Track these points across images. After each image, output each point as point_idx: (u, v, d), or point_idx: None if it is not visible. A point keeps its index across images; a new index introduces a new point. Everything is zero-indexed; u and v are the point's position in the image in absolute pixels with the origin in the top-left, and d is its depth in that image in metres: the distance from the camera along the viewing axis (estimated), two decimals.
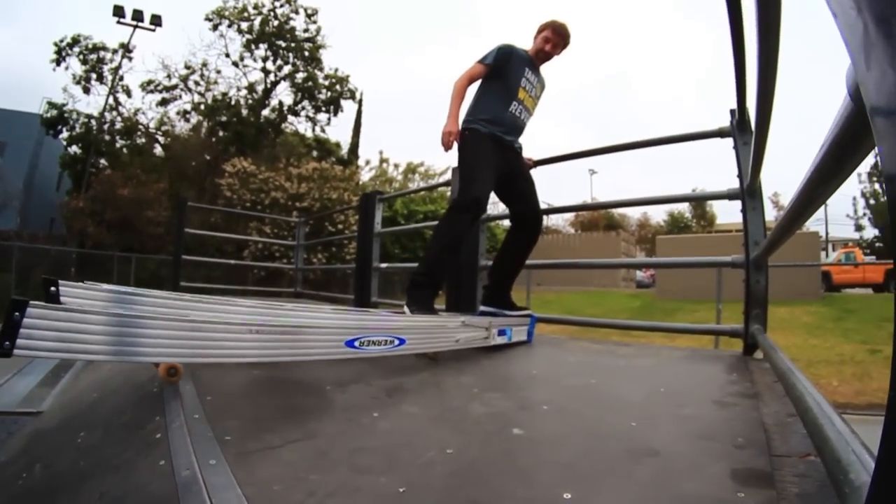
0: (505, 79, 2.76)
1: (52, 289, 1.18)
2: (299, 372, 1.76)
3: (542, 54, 2.86)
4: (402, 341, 1.75)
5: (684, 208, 35.87)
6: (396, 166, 24.16)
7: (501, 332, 2.44)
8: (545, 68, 2.97)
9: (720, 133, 2.57)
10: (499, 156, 2.73)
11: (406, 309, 2.44)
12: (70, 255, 16.51)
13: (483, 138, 2.70)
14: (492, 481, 1.02)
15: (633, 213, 38.29)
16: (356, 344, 1.59)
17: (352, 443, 1.23)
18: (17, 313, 0.99)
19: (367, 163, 24.42)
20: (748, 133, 2.36)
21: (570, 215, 32.84)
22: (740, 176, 2.42)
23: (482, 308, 2.89)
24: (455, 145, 2.66)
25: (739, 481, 0.94)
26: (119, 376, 2.10)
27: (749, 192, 2.39)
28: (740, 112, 2.36)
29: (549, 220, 34.93)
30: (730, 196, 2.53)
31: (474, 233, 4.89)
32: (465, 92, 2.74)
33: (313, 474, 1.05)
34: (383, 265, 5.06)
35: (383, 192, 4.99)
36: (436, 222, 2.96)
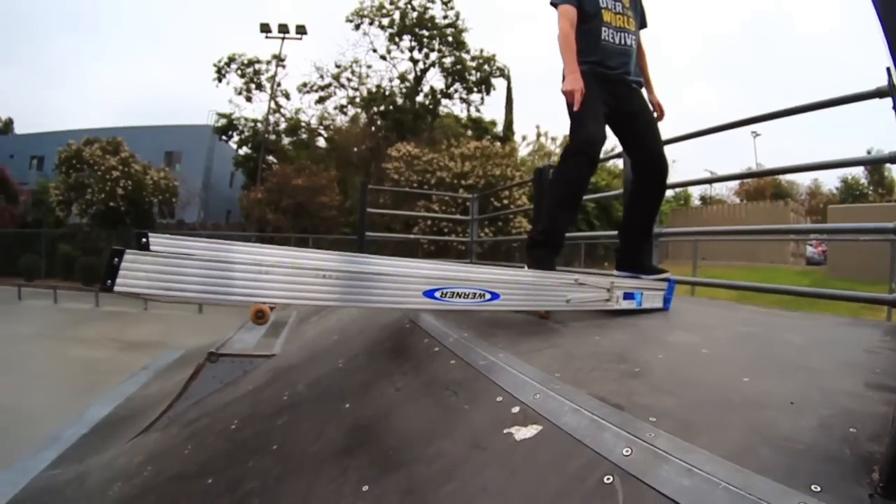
0: (585, 7, 2.43)
1: (144, 239, 1.30)
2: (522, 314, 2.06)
3: None
4: (494, 296, 1.65)
5: (860, 173, 30.48)
6: (553, 139, 23.90)
7: (628, 296, 2.17)
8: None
9: (879, 94, 2.14)
10: (606, 92, 2.40)
11: (525, 269, 2.25)
12: (250, 240, 19.19)
13: (584, 76, 2.34)
14: (693, 374, 1.32)
15: (803, 179, 33.27)
16: (437, 294, 1.53)
17: (587, 350, 1.54)
18: (116, 259, 1.14)
19: (524, 138, 24.37)
20: None
21: (733, 184, 29.49)
22: None
23: (616, 271, 2.57)
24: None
25: (869, 388, 1.12)
26: (358, 321, 2.55)
27: None
28: None
29: (713, 189, 31.83)
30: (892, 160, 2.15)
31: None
32: (574, 37, 2.40)
33: (571, 363, 1.38)
34: None
35: (553, 166, 4.89)
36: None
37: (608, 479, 0.81)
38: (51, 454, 2.56)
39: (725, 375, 1.24)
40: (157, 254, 1.25)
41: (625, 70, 2.46)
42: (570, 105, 2.32)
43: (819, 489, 0.68)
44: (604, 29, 2.40)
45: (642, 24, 2.67)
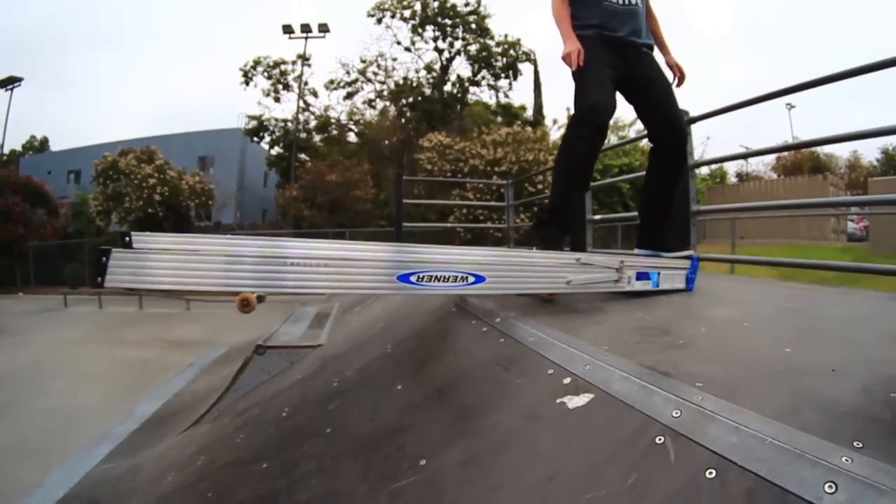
0: None
1: (127, 238, 1.34)
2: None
3: None
4: (479, 279, 1.59)
5: None
6: None
7: (642, 276, 2.03)
8: None
9: None
10: (613, 56, 2.26)
11: (534, 249, 2.17)
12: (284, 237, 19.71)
13: (589, 41, 2.24)
14: (736, 345, 1.36)
15: (842, 152, 31.62)
16: (412, 279, 1.50)
17: (631, 325, 1.60)
18: (104, 258, 1.25)
19: (555, 122, 23.96)
20: None
21: (769, 159, 28.42)
22: None
23: (637, 250, 2.43)
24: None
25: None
26: (403, 309, 2.62)
27: None
28: None
29: (750, 166, 30.72)
30: None
31: (684, 178, 4.46)
32: (567, 4, 2.31)
33: (618, 336, 1.45)
34: (597, 217, 4.86)
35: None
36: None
37: (660, 439, 0.86)
38: (103, 450, 2.62)
39: (768, 346, 1.27)
40: (138, 251, 1.30)
41: (632, 31, 2.32)
42: (574, 74, 2.22)
43: (861, 445, 0.72)
44: None
45: None
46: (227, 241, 1.39)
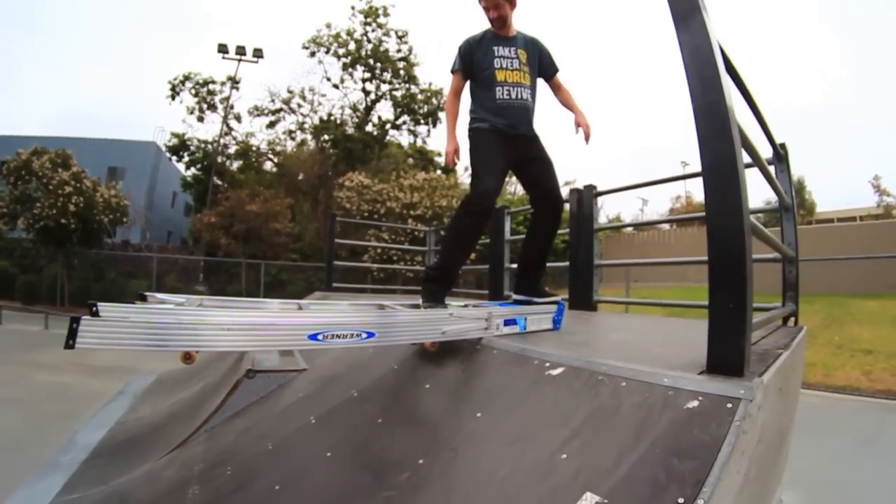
0: (479, 70, 2.71)
1: (94, 308, 1.56)
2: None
3: (495, 23, 2.74)
4: (370, 334, 1.89)
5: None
6: None
7: (510, 322, 2.37)
8: (520, 24, 2.83)
9: (769, 161, 2.93)
10: (505, 145, 2.68)
11: (421, 303, 2.50)
12: (198, 263, 19.04)
13: (484, 134, 2.67)
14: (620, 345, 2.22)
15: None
16: (319, 337, 1.79)
17: (571, 339, 2.36)
18: (75, 325, 1.46)
19: (466, 169, 25.17)
20: (784, 162, 3.00)
21: (666, 210, 31.43)
22: (779, 194, 2.82)
23: (514, 297, 2.87)
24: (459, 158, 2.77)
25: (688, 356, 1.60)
26: (374, 349, 2.65)
27: (785, 208, 2.95)
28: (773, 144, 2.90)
29: (644, 215, 33.76)
30: (773, 210, 3.26)
31: (500, 222, 5.22)
32: (457, 107, 2.80)
33: (566, 343, 2.22)
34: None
35: (509, 206, 5.68)
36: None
37: (600, 378, 1.49)
38: (57, 480, 2.49)
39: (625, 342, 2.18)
40: (105, 319, 1.54)
41: (521, 123, 2.72)
42: (470, 161, 2.68)
43: (678, 373, 1.34)
44: (498, 89, 2.66)
45: (552, 69, 2.92)
46: (174, 312, 1.74)
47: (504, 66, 2.69)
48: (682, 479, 1.02)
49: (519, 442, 1.41)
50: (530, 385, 1.66)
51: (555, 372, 1.65)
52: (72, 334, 1.44)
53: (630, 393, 1.35)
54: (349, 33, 23.33)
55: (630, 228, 26.62)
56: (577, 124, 2.84)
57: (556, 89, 2.94)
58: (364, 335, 1.86)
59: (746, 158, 2.03)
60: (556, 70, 2.92)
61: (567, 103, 2.93)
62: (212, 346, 1.70)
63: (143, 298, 1.73)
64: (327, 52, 23.55)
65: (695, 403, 1.20)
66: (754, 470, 1.30)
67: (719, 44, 1.47)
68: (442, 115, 23.96)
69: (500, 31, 2.75)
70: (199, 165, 24.16)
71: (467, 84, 2.81)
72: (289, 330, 1.77)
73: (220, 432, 2.48)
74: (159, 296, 2.43)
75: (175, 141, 23.89)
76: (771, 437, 1.61)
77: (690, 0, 1.40)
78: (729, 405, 1.15)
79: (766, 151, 2.85)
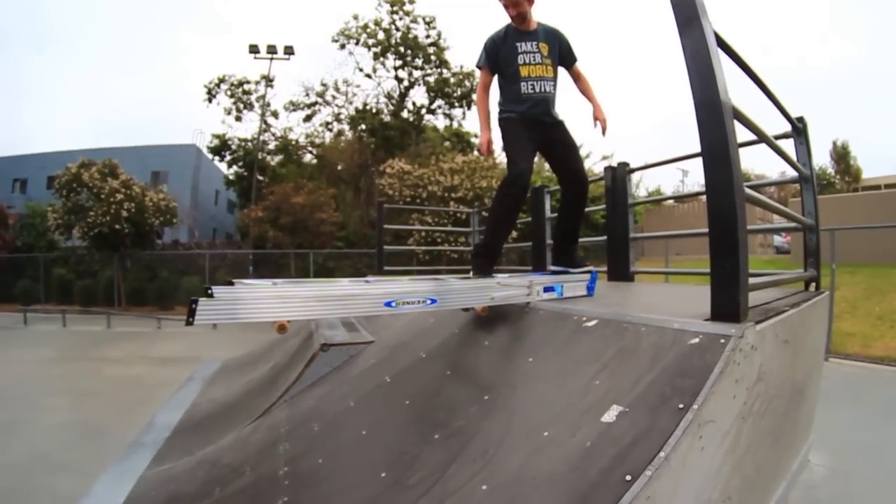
0: (505, 66, 2.93)
1: (209, 290, 1.72)
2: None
3: (516, 20, 2.93)
4: (433, 300, 2.13)
5: (826, 163, 32.35)
6: None
7: (548, 289, 2.62)
8: (541, 16, 2.99)
9: (786, 135, 3.12)
10: (532, 131, 2.94)
11: (471, 275, 2.77)
12: (247, 256, 19.98)
13: (513, 123, 2.94)
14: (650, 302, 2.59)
15: (772, 172, 35.03)
16: (392, 304, 2.03)
17: (608, 301, 2.70)
18: (193, 304, 1.64)
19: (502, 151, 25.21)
20: (803, 135, 3.10)
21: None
22: (795, 167, 3.02)
23: (551, 267, 3.19)
24: (493, 147, 3.08)
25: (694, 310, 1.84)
26: (437, 315, 2.89)
27: (804, 179, 3.07)
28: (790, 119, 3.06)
29: (685, 186, 33.18)
30: (793, 181, 3.26)
31: (540, 201, 5.59)
32: (486, 101, 3.06)
33: (604, 304, 2.55)
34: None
35: (548, 185, 5.89)
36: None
37: (625, 326, 1.80)
38: (146, 455, 2.64)
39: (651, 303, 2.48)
40: (217, 299, 1.75)
41: (544, 111, 2.99)
42: (504, 147, 2.98)
43: (686, 319, 1.62)
44: (523, 84, 2.91)
45: (571, 59, 3.12)
46: (271, 289, 1.93)
47: (527, 61, 2.91)
48: (682, 392, 1.37)
49: (562, 376, 1.77)
50: (570, 334, 2.01)
51: (590, 324, 2.00)
52: (191, 313, 1.63)
53: (648, 335, 1.70)
54: (377, 23, 23.58)
55: (671, 201, 26.13)
56: (595, 118, 3.13)
57: (576, 78, 3.18)
58: (428, 301, 2.11)
59: (753, 137, 2.37)
60: (574, 59, 3.13)
61: (586, 93, 3.18)
62: (306, 314, 1.97)
63: (231, 284, 1.89)
64: (357, 44, 23.91)
65: (696, 340, 1.54)
66: (759, 406, 1.62)
67: (725, 41, 1.76)
68: (475, 96, 23.95)
69: (520, 27, 2.95)
70: (240, 163, 25.05)
71: (495, 78, 3.05)
72: (367, 299, 2.03)
73: (302, 399, 2.70)
74: (246, 281, 2.76)
75: (216, 142, 24.82)
76: (779, 385, 1.85)
77: (691, 8, 1.68)
78: (721, 341, 1.48)
79: (784, 126, 3.10)
